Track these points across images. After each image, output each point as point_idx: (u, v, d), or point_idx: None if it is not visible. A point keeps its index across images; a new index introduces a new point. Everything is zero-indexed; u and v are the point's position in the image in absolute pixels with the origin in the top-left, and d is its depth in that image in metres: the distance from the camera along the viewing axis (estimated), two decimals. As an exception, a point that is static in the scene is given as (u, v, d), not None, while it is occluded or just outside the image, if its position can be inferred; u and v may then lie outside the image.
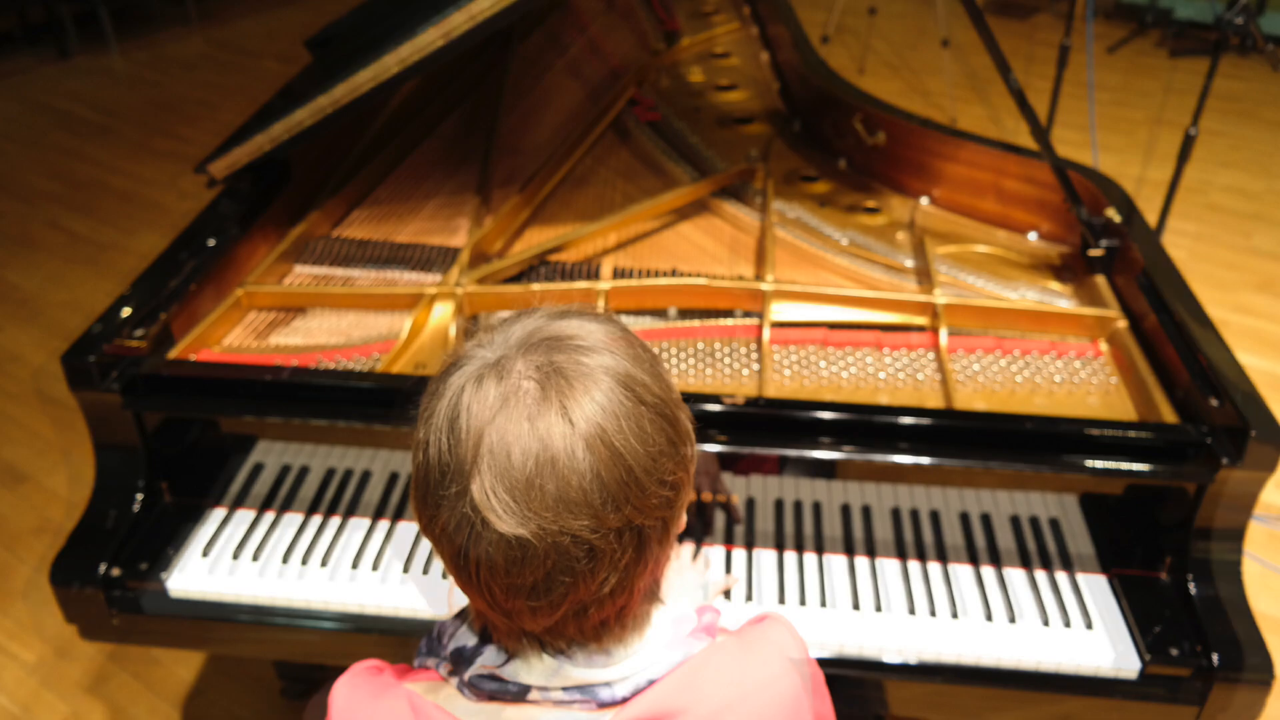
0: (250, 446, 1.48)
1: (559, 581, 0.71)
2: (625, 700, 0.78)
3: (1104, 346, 1.62)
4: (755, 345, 1.61)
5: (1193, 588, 1.33)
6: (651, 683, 0.79)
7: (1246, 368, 1.39)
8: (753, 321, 1.65)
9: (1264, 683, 1.27)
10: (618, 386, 0.71)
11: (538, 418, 0.69)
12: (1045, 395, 1.53)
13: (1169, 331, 1.49)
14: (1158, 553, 1.37)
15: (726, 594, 1.39)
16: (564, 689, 0.78)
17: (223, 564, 1.44)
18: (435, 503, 0.72)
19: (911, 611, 1.36)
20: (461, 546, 0.72)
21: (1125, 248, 1.67)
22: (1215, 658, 1.27)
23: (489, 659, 0.79)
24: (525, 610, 0.73)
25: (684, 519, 0.81)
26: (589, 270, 1.79)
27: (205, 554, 1.45)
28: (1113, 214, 1.71)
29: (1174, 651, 1.29)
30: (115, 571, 1.42)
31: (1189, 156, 2.89)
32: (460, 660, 0.81)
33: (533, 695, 0.78)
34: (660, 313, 1.70)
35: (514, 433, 0.69)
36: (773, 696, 0.82)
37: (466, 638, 0.82)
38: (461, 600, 0.85)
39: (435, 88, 2.38)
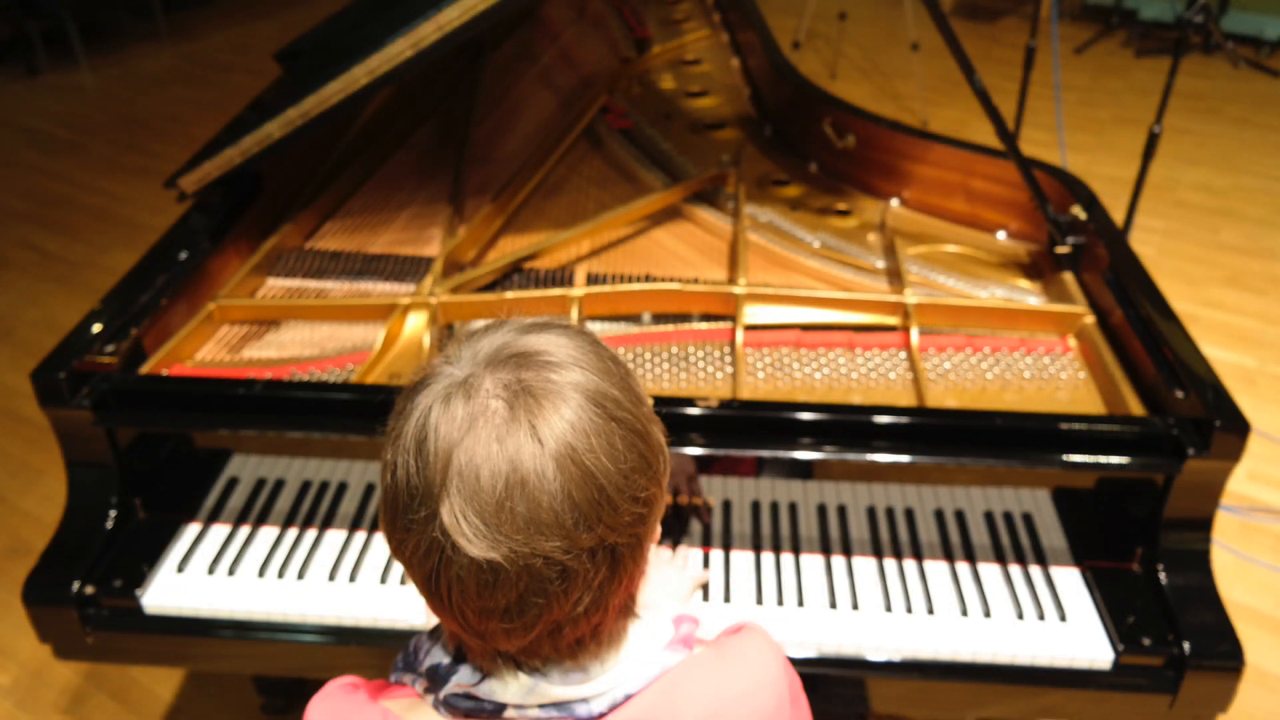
0: (225, 460, 1.47)
1: (532, 603, 0.70)
2: (603, 716, 0.78)
3: (1072, 342, 1.64)
4: (729, 348, 1.62)
5: (1163, 577, 1.35)
6: (629, 697, 0.79)
7: (1216, 361, 1.41)
8: (726, 325, 1.66)
9: (1234, 669, 1.28)
10: (587, 403, 0.70)
11: (506, 438, 0.68)
12: (1015, 391, 1.55)
13: (1135, 325, 1.52)
14: (1129, 544, 1.39)
15: (705, 594, 1.40)
16: (540, 706, 0.77)
17: (198, 579, 1.43)
18: (404, 526, 0.71)
19: (888, 609, 1.37)
20: (432, 570, 0.71)
21: (1091, 244, 1.70)
22: (1186, 646, 1.28)
23: (464, 678, 0.78)
24: (499, 632, 0.72)
25: (658, 532, 0.81)
26: (563, 277, 1.79)
27: (180, 569, 1.44)
28: (1078, 211, 1.74)
29: (1146, 641, 1.30)
30: (89, 589, 1.41)
31: (1154, 154, 2.93)
32: (435, 678, 0.80)
33: (509, 713, 0.77)
34: (634, 318, 1.70)
35: (483, 454, 0.68)
36: (752, 709, 0.82)
37: (440, 656, 0.81)
38: None
39: (407, 99, 2.38)
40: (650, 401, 0.79)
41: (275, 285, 1.81)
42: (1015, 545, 1.43)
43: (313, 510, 1.50)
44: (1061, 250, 1.72)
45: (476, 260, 1.88)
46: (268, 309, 1.71)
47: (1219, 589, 1.35)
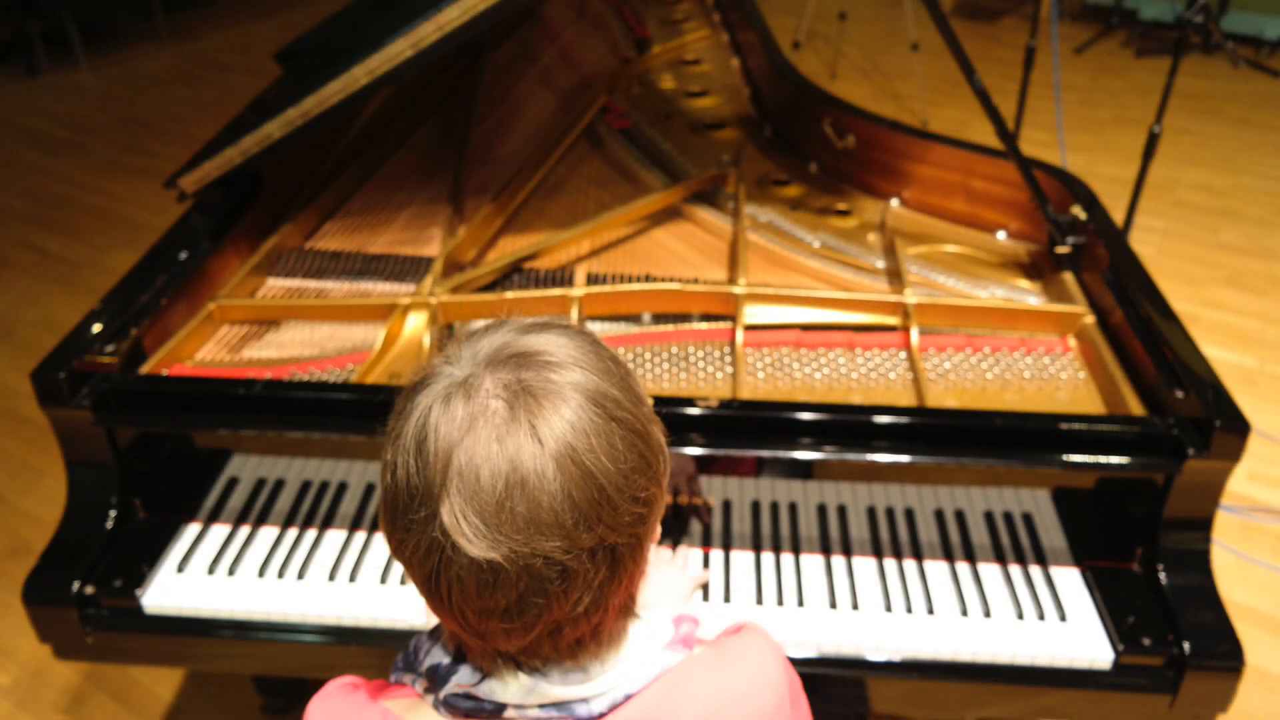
0: (225, 460, 1.47)
1: (532, 603, 0.70)
2: (603, 716, 0.78)
3: (1072, 342, 1.64)
4: (729, 348, 1.62)
5: (1163, 577, 1.35)
6: (629, 697, 0.79)
7: (1216, 361, 1.41)
8: (726, 325, 1.66)
9: (1234, 670, 1.28)
10: (587, 403, 0.70)
11: (506, 438, 0.68)
12: (1015, 391, 1.55)
13: (1135, 326, 1.52)
14: (1128, 544, 1.39)
15: (705, 594, 1.40)
16: (540, 706, 0.77)
17: (198, 579, 1.43)
18: (404, 526, 0.71)
19: (888, 609, 1.37)
20: (432, 570, 0.71)
21: (1091, 244, 1.70)
22: (1186, 646, 1.28)
23: (464, 678, 0.78)
24: (499, 632, 0.72)
25: (658, 532, 0.81)
26: (563, 277, 1.79)
27: (180, 569, 1.44)
28: (1078, 211, 1.74)
29: (1146, 641, 1.30)
30: (89, 589, 1.41)
31: (1154, 154, 2.93)
32: (435, 678, 0.80)
33: (509, 713, 0.77)
34: (634, 318, 1.71)
35: (483, 454, 0.68)
36: (752, 709, 0.82)
37: (440, 656, 0.81)
38: None
39: (407, 99, 2.37)
40: (650, 401, 0.79)
41: (275, 285, 1.81)
42: (1015, 545, 1.43)
43: (313, 510, 1.50)
44: (1061, 250, 1.72)
45: (476, 260, 1.88)
46: (268, 309, 1.71)
47: (1219, 589, 1.35)
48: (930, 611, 1.36)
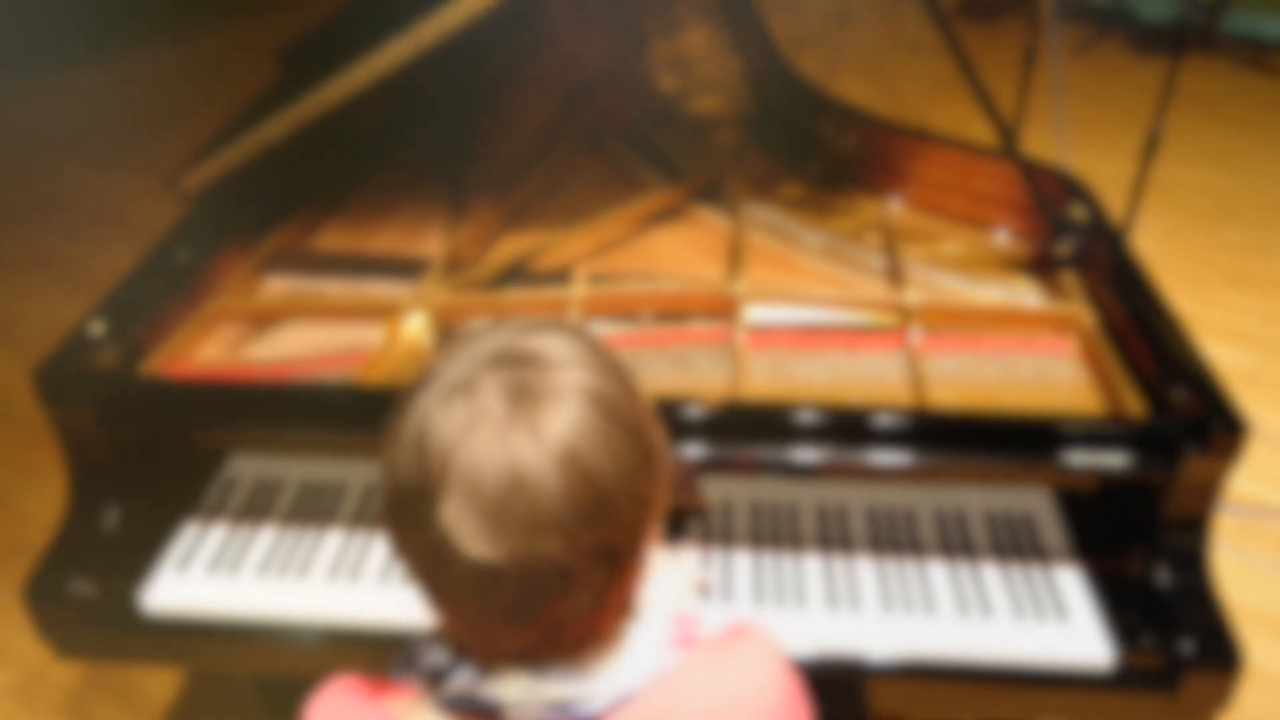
0: (225, 460, 1.48)
1: (532, 603, 0.70)
2: (602, 716, 0.78)
3: (1072, 342, 1.64)
4: (729, 348, 1.62)
5: (1163, 577, 1.35)
6: (629, 697, 0.79)
7: (1216, 361, 1.42)
8: (726, 325, 1.66)
9: (1234, 669, 1.28)
10: (587, 404, 0.71)
11: (506, 438, 0.68)
12: (1015, 391, 1.55)
13: (1135, 325, 1.52)
14: (1128, 544, 1.39)
15: (705, 594, 1.40)
16: (540, 706, 0.78)
17: (198, 579, 1.43)
18: (405, 527, 0.72)
19: (888, 609, 1.37)
20: (432, 570, 0.71)
21: (1091, 244, 1.70)
22: (1186, 646, 1.28)
23: (464, 678, 0.78)
24: (499, 632, 0.73)
25: (658, 532, 0.81)
26: (563, 277, 1.79)
27: (180, 569, 1.44)
28: (1078, 211, 1.74)
29: (1146, 641, 1.30)
30: (89, 589, 1.41)
31: (1154, 154, 2.93)
32: (435, 678, 0.81)
33: (509, 713, 0.78)
34: (634, 318, 1.70)
35: (482, 454, 0.68)
36: (752, 710, 0.82)
37: (440, 656, 0.82)
38: None
39: (407, 99, 2.37)
40: (650, 402, 0.79)
41: (275, 285, 1.81)
42: (1015, 545, 1.43)
43: (313, 510, 1.50)
44: (1061, 250, 1.72)
45: (476, 260, 1.88)
46: (268, 309, 1.71)
47: (1219, 589, 1.35)
48: (930, 611, 1.36)
